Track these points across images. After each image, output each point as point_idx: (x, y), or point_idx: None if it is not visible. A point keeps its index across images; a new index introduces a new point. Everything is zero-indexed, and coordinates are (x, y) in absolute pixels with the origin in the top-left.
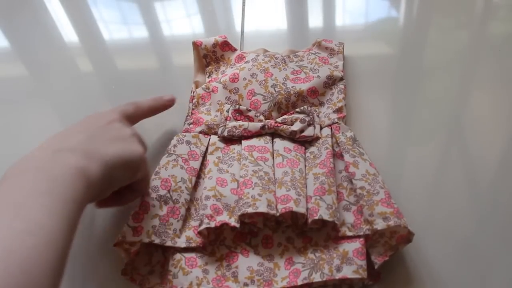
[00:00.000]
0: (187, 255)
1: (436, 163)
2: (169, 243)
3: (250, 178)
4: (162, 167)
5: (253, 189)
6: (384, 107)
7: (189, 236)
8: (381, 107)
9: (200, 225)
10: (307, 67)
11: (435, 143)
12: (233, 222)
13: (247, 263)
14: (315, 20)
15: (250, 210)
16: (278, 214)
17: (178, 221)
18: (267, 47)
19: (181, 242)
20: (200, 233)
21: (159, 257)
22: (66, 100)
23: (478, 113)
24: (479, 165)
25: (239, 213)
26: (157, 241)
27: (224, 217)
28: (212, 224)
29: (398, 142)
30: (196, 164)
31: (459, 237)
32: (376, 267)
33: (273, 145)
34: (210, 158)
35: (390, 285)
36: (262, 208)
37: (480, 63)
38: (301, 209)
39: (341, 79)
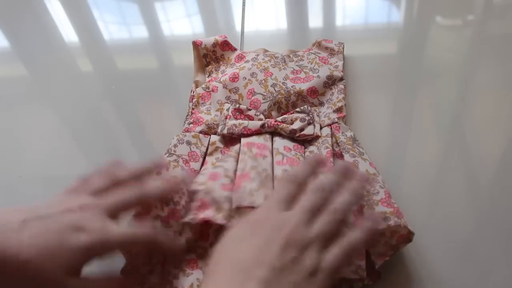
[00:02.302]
0: (188, 257)
1: (436, 163)
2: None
3: (248, 172)
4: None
5: (250, 182)
6: (384, 107)
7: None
8: (381, 107)
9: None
10: (307, 67)
11: (435, 143)
12: (220, 219)
13: None
14: (315, 20)
15: (246, 203)
16: None
17: (178, 223)
18: (267, 47)
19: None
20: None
21: (159, 257)
22: (66, 100)
23: (478, 113)
24: (479, 165)
25: (234, 205)
26: None
27: (209, 213)
28: (196, 220)
29: (398, 142)
30: (196, 166)
31: (459, 237)
32: (376, 267)
33: (272, 144)
34: (209, 160)
35: (390, 285)
36: (259, 202)
37: (480, 63)
38: None
39: (341, 79)
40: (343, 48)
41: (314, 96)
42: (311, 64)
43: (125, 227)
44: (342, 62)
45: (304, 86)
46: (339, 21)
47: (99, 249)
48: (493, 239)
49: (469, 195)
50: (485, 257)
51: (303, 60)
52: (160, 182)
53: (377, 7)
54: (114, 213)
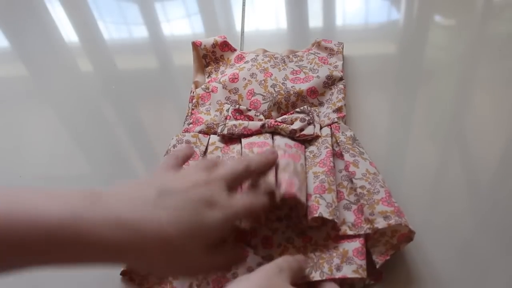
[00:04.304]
0: None
1: (436, 163)
2: None
3: None
4: None
5: None
6: (384, 107)
7: None
8: (381, 107)
9: None
10: (307, 67)
11: (435, 143)
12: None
13: (247, 263)
14: (315, 20)
15: None
16: (282, 192)
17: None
18: (267, 47)
19: None
20: None
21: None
22: (66, 100)
23: (478, 113)
24: (479, 165)
25: None
26: None
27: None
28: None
29: (398, 142)
30: None
31: (459, 236)
32: (377, 266)
33: (273, 142)
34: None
35: (392, 285)
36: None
37: (480, 63)
38: (303, 198)
39: (341, 79)
40: (342, 48)
41: (314, 96)
42: (310, 64)
43: (243, 197)
44: (341, 62)
45: (303, 87)
46: (339, 21)
47: (230, 223)
48: (493, 239)
49: (470, 194)
50: (486, 256)
51: (303, 60)
52: (258, 156)
53: (377, 7)
54: (231, 186)
